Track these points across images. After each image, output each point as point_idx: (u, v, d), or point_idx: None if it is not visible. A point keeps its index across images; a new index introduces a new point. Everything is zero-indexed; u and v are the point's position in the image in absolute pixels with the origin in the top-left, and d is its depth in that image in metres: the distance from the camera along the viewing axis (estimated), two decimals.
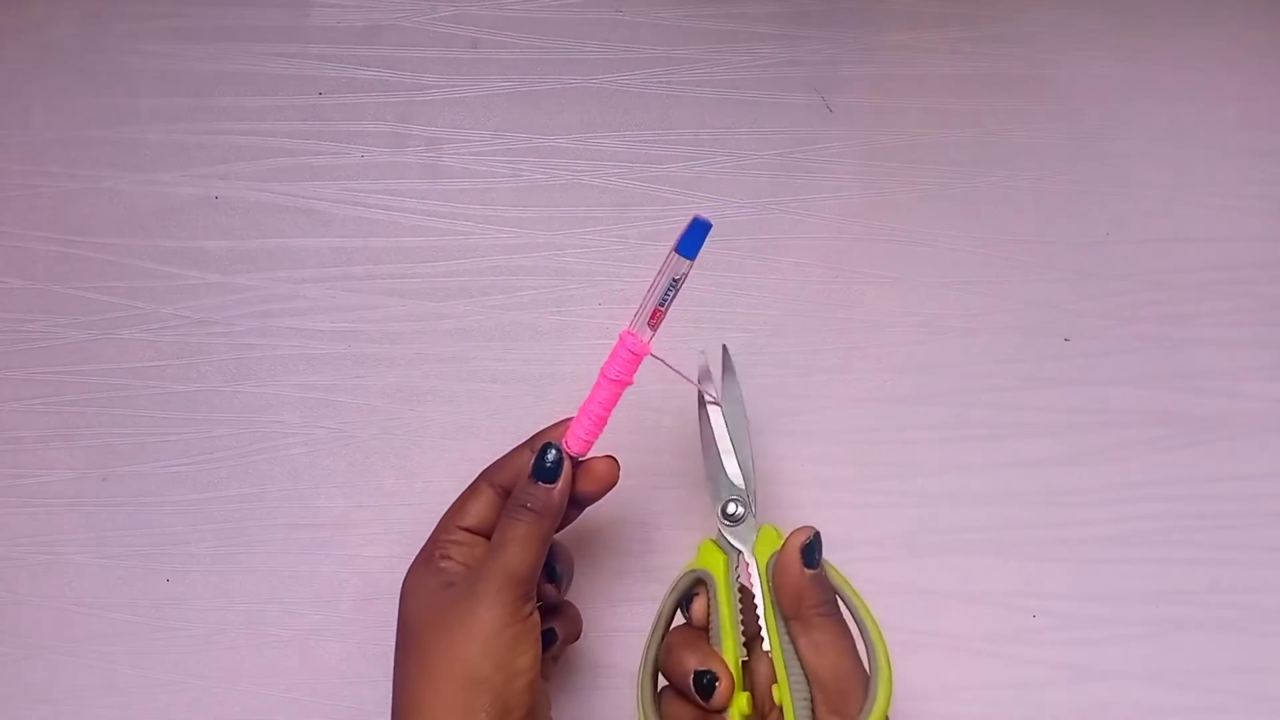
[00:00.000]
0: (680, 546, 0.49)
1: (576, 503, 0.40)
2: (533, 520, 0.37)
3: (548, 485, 0.38)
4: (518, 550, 0.37)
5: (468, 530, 0.39)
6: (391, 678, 0.38)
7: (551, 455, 0.38)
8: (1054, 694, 0.48)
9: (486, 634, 0.35)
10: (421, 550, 0.40)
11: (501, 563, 0.36)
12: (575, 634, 0.43)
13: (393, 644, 0.38)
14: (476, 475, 0.41)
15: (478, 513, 0.39)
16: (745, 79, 0.53)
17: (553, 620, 0.41)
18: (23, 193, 0.51)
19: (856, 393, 0.51)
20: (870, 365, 0.51)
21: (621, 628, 0.48)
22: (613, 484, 0.40)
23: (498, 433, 0.49)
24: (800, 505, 0.50)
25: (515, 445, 0.41)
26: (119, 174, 0.51)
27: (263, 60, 0.52)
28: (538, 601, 0.39)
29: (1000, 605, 0.49)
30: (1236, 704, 0.49)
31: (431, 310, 0.50)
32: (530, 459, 0.38)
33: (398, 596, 0.39)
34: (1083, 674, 0.49)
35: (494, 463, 0.41)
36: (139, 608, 0.48)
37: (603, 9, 0.53)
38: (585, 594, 0.48)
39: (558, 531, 0.39)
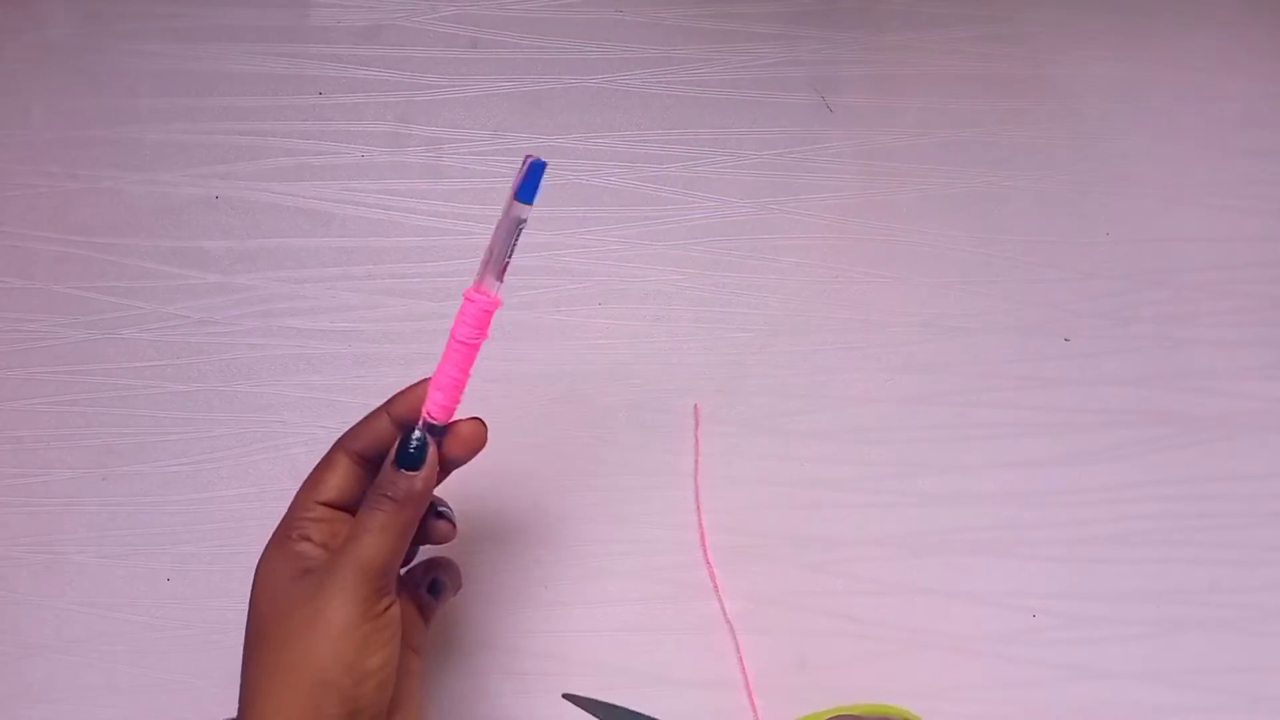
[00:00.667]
0: (670, 546, 0.49)
1: (443, 467, 0.37)
2: (393, 510, 0.35)
3: (411, 472, 0.35)
4: (374, 541, 0.34)
5: (326, 505, 0.36)
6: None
7: (415, 440, 0.36)
8: (1054, 694, 0.48)
9: (335, 633, 0.33)
10: (275, 531, 0.37)
11: (355, 555, 0.34)
12: (457, 585, 0.42)
13: None
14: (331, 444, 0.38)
15: (336, 485, 0.37)
16: (745, 79, 0.53)
17: (437, 571, 0.40)
18: (23, 193, 0.51)
19: (856, 393, 0.51)
20: (870, 365, 0.51)
21: (628, 626, 0.48)
22: (480, 447, 0.37)
23: (497, 433, 0.49)
24: (801, 506, 0.50)
25: (375, 408, 0.38)
26: (119, 174, 0.51)
27: (263, 60, 0.52)
28: (402, 601, 0.37)
29: (1000, 605, 0.49)
30: (1236, 704, 0.49)
31: (431, 310, 0.50)
32: (390, 429, 0.36)
33: None
34: (1083, 674, 0.49)
35: (349, 429, 0.38)
36: (139, 607, 0.48)
37: (603, 9, 0.53)
38: (571, 594, 0.48)
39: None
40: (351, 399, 0.50)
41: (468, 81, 0.52)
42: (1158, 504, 0.51)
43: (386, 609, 0.35)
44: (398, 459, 0.36)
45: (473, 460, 0.38)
